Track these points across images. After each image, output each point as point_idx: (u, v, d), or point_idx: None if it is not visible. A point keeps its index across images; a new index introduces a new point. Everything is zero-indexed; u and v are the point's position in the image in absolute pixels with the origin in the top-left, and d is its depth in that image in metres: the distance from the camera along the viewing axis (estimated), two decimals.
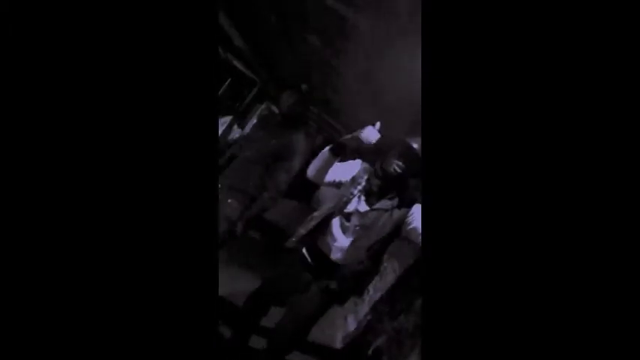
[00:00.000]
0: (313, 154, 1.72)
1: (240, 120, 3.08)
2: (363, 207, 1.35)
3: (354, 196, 1.39)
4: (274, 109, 3.19)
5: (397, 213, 1.33)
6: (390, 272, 2.15)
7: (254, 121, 3.29)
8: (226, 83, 3.19)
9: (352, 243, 1.34)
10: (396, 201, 1.34)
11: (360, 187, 1.39)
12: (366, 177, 1.39)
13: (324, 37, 1.90)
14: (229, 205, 1.70)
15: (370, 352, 1.82)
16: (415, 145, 1.38)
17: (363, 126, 1.30)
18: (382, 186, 1.33)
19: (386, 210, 1.34)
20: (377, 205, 1.33)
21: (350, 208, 1.37)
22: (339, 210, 1.37)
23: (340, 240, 1.36)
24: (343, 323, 2.08)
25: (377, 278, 2.22)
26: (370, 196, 1.35)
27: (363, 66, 1.84)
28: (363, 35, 1.68)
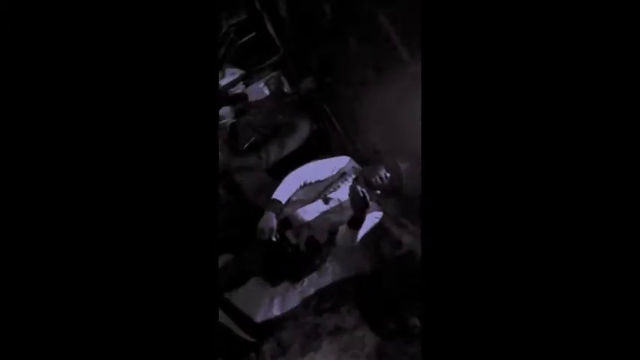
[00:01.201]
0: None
1: (248, 78, 3.04)
2: (344, 196, 1.45)
3: (339, 187, 1.48)
4: (284, 81, 3.17)
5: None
6: (329, 274, 2.26)
7: (261, 84, 3.24)
8: (249, 36, 3.11)
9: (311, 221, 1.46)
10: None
11: (347, 182, 1.48)
12: (353, 176, 1.48)
13: (362, 43, 1.94)
14: None
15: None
16: (402, 167, 1.48)
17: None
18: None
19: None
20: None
21: (332, 195, 1.46)
22: (323, 194, 1.45)
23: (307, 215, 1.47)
24: (269, 303, 2.14)
25: (315, 274, 2.32)
26: (351, 193, 1.45)
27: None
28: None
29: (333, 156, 1.61)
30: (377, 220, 1.45)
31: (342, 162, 1.57)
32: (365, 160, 1.62)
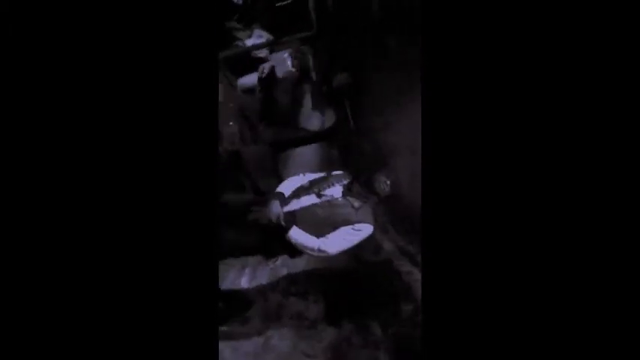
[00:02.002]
0: None
1: (274, 45, 2.96)
2: (338, 194, 1.48)
3: (333, 185, 1.49)
4: (310, 58, 3.09)
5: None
6: (303, 259, 2.27)
7: (285, 54, 3.15)
8: (287, 1, 3.01)
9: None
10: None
11: (341, 183, 1.49)
12: (349, 180, 1.49)
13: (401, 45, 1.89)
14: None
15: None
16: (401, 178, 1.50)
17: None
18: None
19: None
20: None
21: (326, 191, 1.46)
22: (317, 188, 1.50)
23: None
24: (239, 273, 2.15)
25: (289, 257, 2.34)
26: (345, 191, 1.50)
27: None
28: None
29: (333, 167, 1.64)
30: (364, 235, 1.44)
31: (337, 172, 1.60)
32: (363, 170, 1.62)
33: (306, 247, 1.42)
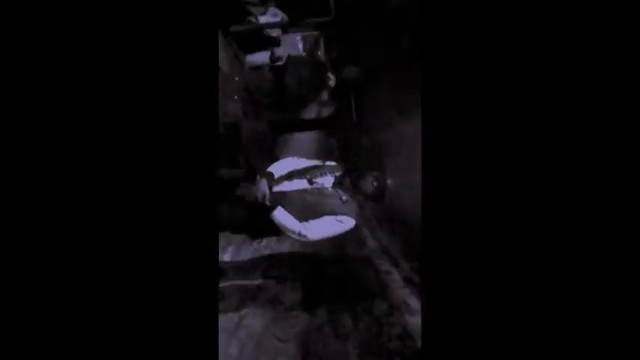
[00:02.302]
0: None
1: (287, 25, 2.91)
2: (328, 184, 1.52)
3: (325, 175, 1.50)
4: (322, 45, 3.05)
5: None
6: (287, 244, 2.29)
7: (297, 37, 3.11)
8: None
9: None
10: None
11: (333, 174, 1.50)
12: (341, 172, 1.51)
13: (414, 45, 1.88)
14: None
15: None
16: (389, 181, 1.52)
17: None
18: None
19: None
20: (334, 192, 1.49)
21: (318, 179, 1.48)
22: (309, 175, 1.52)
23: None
24: (223, 247, 2.17)
25: (275, 239, 2.35)
26: (336, 183, 1.53)
27: None
28: None
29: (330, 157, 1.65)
30: (345, 227, 1.46)
31: (331, 163, 1.60)
32: (357, 165, 1.63)
33: (287, 229, 1.42)
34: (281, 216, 1.42)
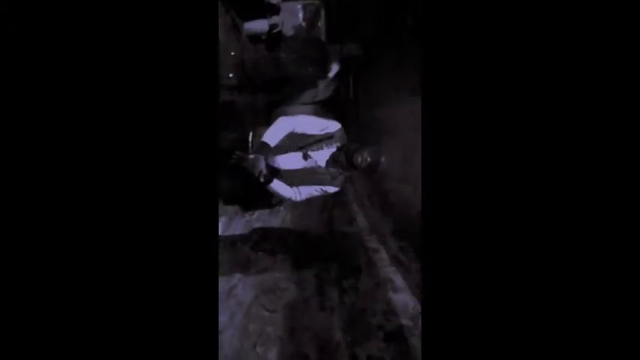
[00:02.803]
0: None
1: None
2: (322, 162, 1.49)
3: (322, 149, 1.47)
4: (322, 15, 2.93)
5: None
6: (279, 218, 2.31)
7: (298, 6, 2.98)
8: None
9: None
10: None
11: (331, 147, 1.47)
12: (339, 144, 1.48)
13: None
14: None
15: None
16: (383, 158, 1.51)
17: None
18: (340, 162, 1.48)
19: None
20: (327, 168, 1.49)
21: (313, 154, 1.49)
22: (305, 149, 1.49)
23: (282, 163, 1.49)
24: (231, 221, 2.17)
25: (267, 213, 2.36)
26: (330, 161, 1.49)
27: None
28: None
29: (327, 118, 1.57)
30: (326, 192, 1.51)
31: (333, 127, 1.52)
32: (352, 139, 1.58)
33: (280, 195, 1.49)
34: (276, 186, 1.47)
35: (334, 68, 2.13)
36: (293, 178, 1.49)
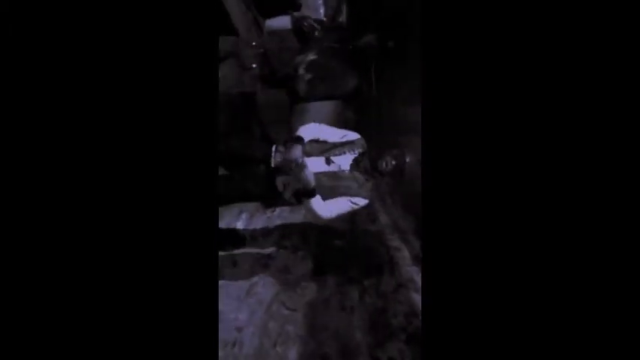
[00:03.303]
0: None
1: None
2: (346, 165, 1.43)
3: (344, 153, 1.43)
4: (344, 9, 2.86)
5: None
6: (301, 214, 2.28)
7: (319, 0, 2.91)
8: None
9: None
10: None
11: (353, 153, 1.42)
12: (361, 150, 1.43)
13: None
14: None
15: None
16: (408, 159, 1.43)
17: None
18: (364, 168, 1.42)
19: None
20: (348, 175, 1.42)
21: (335, 158, 1.43)
22: (327, 153, 1.43)
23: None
24: (236, 217, 2.17)
25: (288, 209, 2.34)
26: (354, 164, 1.44)
27: None
28: None
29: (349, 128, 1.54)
30: (357, 207, 1.41)
31: (353, 136, 1.50)
32: (377, 143, 1.52)
33: (314, 214, 1.37)
34: (315, 204, 1.35)
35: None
36: (318, 183, 1.43)
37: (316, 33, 2.37)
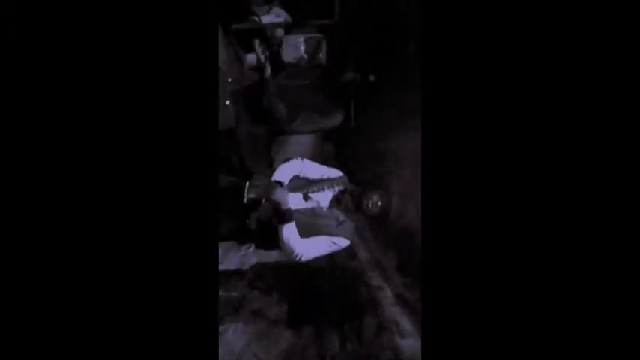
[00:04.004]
0: None
1: (290, 26, 2.74)
2: (325, 202, 1.33)
3: (323, 190, 1.32)
4: (323, 48, 2.89)
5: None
6: (275, 252, 2.11)
7: (300, 39, 2.93)
8: None
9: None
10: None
11: (333, 190, 1.33)
12: (342, 187, 1.33)
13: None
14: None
15: None
16: (394, 200, 1.37)
17: None
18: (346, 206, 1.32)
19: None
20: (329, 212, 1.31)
21: (314, 195, 1.34)
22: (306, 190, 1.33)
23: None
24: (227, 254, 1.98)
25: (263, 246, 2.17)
26: (334, 202, 1.34)
27: None
28: None
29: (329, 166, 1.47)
30: (337, 248, 1.31)
31: (335, 173, 1.42)
32: (360, 182, 1.44)
33: (288, 247, 1.25)
34: (289, 232, 1.24)
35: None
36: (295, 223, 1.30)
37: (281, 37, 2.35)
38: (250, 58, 2.70)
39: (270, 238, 1.30)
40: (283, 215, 1.23)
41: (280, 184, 1.30)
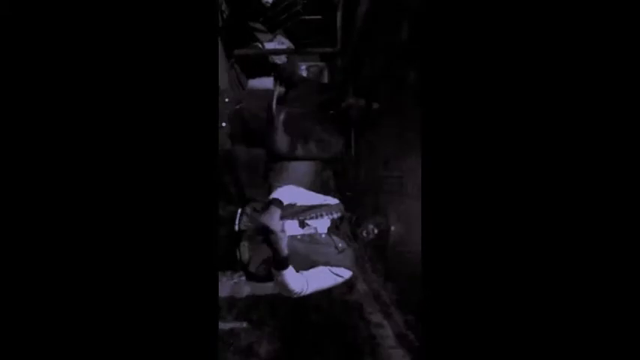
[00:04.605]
0: None
1: (293, 54, 2.74)
2: (323, 229, 1.23)
3: (321, 216, 1.26)
4: (325, 75, 2.89)
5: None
6: (268, 284, 1.99)
7: (303, 66, 2.94)
8: (315, 17, 2.83)
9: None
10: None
11: (329, 215, 1.26)
12: (339, 214, 1.24)
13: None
14: None
15: None
16: (392, 228, 1.30)
17: None
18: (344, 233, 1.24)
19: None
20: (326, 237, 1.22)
21: (311, 221, 1.25)
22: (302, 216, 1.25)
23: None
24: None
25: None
26: (332, 228, 1.24)
27: None
28: None
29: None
30: (340, 280, 1.20)
31: (332, 201, 1.33)
32: (357, 207, 1.36)
33: (290, 290, 1.11)
34: (288, 277, 1.10)
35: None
36: (290, 251, 1.18)
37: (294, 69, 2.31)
38: (252, 84, 2.69)
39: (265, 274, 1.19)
40: (281, 263, 1.09)
41: (279, 201, 1.18)
